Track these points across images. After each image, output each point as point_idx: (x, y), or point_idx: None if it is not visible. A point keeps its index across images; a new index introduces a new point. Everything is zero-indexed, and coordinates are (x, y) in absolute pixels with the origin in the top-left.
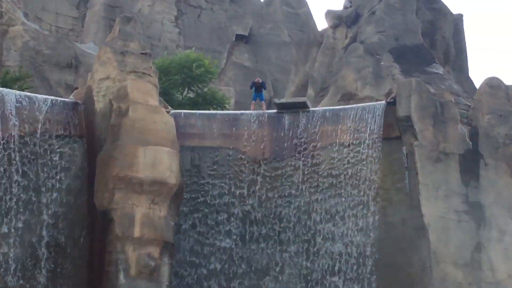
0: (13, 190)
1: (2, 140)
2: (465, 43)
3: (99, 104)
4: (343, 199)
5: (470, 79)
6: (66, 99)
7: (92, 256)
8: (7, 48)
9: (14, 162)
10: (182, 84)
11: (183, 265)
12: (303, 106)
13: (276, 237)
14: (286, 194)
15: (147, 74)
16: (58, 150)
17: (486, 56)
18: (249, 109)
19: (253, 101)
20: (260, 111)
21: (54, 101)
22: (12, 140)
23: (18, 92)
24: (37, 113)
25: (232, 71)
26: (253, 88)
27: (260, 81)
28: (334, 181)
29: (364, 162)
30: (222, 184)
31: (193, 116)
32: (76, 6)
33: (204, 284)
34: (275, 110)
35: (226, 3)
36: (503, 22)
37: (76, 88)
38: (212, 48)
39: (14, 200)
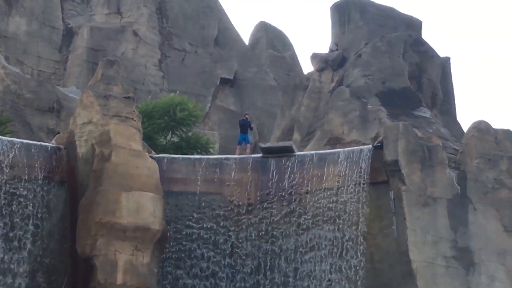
0: None
1: None
2: (452, 86)
3: (82, 149)
4: (330, 245)
5: (458, 123)
6: (47, 144)
7: None
8: None
9: None
10: (165, 128)
11: None
12: (289, 150)
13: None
14: (273, 239)
15: (130, 118)
16: (39, 195)
17: (474, 98)
18: (235, 154)
19: (238, 146)
20: (245, 156)
21: (35, 146)
22: None
23: None
24: (19, 158)
25: (216, 115)
26: (239, 128)
27: (248, 117)
28: (321, 226)
29: (351, 207)
30: (207, 230)
31: (177, 161)
32: (58, 49)
33: None
34: (260, 155)
35: (210, 46)
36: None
37: (58, 133)
38: (197, 91)
39: None
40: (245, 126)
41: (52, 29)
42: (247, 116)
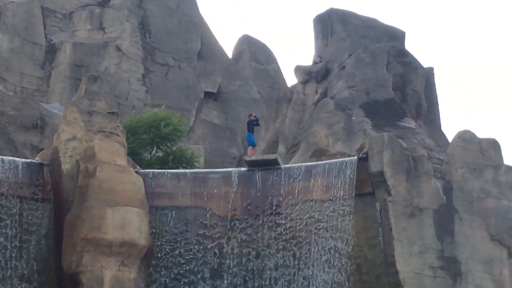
0: None
1: None
2: (436, 96)
3: (66, 165)
4: (316, 256)
5: (443, 133)
6: (32, 161)
7: None
8: None
9: None
10: (150, 143)
11: None
12: (274, 163)
13: None
14: (259, 252)
15: (115, 133)
16: (24, 212)
17: (458, 109)
18: (220, 167)
19: (250, 147)
20: (230, 169)
21: (19, 163)
22: None
23: None
24: (2, 175)
25: (201, 129)
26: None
27: (253, 116)
28: (307, 238)
29: (337, 219)
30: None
31: (162, 176)
32: (41, 66)
33: None
34: (245, 168)
35: (193, 60)
36: (476, 74)
37: (42, 149)
38: (181, 106)
39: None
40: (251, 126)
41: (35, 45)
42: (252, 116)
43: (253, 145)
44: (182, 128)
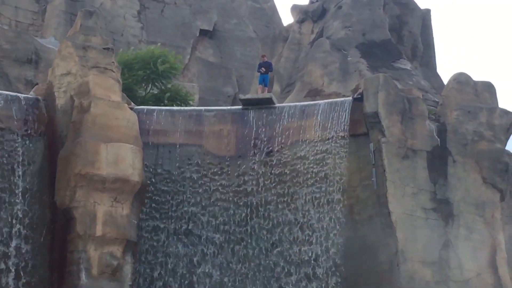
0: None
1: None
2: (433, 38)
3: (60, 100)
4: (309, 196)
5: (438, 75)
6: (26, 95)
7: (53, 255)
8: None
9: None
10: (145, 80)
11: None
12: (269, 102)
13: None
14: (250, 191)
15: (110, 69)
16: (18, 147)
17: (454, 51)
18: (214, 105)
19: (260, 85)
20: (224, 108)
21: (13, 97)
22: None
23: None
24: None
25: (196, 67)
26: (260, 69)
27: (266, 59)
28: (300, 178)
29: (331, 159)
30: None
31: (156, 112)
32: (36, 0)
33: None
34: (240, 106)
35: None
36: (472, 17)
37: (37, 84)
38: (176, 43)
39: None
40: (265, 67)
41: None
42: (265, 57)
43: (265, 85)
44: (177, 65)
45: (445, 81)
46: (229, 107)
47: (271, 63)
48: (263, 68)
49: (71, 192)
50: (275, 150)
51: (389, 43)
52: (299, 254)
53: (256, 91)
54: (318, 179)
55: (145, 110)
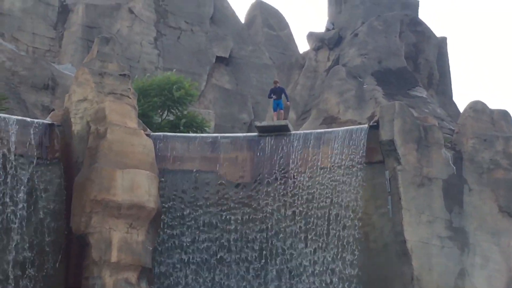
0: None
1: None
2: (449, 66)
3: (77, 126)
4: (325, 224)
5: (454, 103)
6: (43, 121)
7: (68, 281)
8: None
9: None
10: (161, 107)
11: None
12: (284, 129)
13: (255, 263)
14: (268, 219)
15: (126, 95)
16: (34, 173)
17: (470, 79)
18: (230, 132)
19: (274, 112)
20: (240, 134)
21: (29, 123)
22: None
23: None
24: (11, 134)
25: (212, 93)
26: (271, 95)
27: (278, 84)
28: (315, 206)
29: (347, 187)
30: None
31: (173, 139)
32: (54, 26)
33: None
34: (256, 133)
35: (206, 25)
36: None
37: (53, 110)
38: (192, 70)
39: None
40: (277, 92)
41: (47, 6)
42: (277, 83)
43: (281, 108)
44: (193, 92)
45: (461, 109)
46: (244, 134)
47: (283, 88)
48: (274, 96)
49: (86, 218)
50: (291, 177)
51: (405, 70)
52: (314, 281)
53: (271, 118)
54: (334, 206)
55: (162, 137)
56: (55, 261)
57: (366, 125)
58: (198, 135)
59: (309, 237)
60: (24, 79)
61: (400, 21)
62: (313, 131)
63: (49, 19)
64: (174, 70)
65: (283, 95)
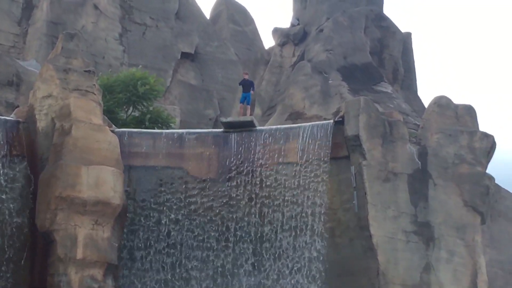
0: None
1: None
2: (413, 61)
3: (41, 123)
4: (291, 220)
5: (419, 98)
6: (7, 117)
7: (34, 279)
8: None
9: None
10: (126, 103)
11: None
12: (250, 125)
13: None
14: (235, 214)
15: (91, 92)
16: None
17: (435, 75)
18: (198, 128)
19: (241, 104)
20: (206, 130)
21: None
22: None
23: None
24: None
25: (177, 89)
26: (241, 86)
27: (247, 77)
28: (281, 201)
29: (312, 182)
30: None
31: (138, 135)
32: (18, 22)
33: None
34: (221, 129)
35: (171, 20)
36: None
37: (18, 107)
38: (157, 66)
39: None
40: (246, 85)
41: (12, 2)
42: (246, 75)
43: (247, 103)
44: (158, 88)
45: (426, 104)
46: (210, 130)
47: (252, 81)
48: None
49: (51, 215)
50: (256, 172)
51: (370, 66)
52: (280, 276)
53: (237, 114)
54: (299, 202)
55: (127, 133)
56: (20, 258)
57: (332, 121)
58: (163, 131)
59: (275, 231)
60: None
61: (365, 16)
62: (278, 126)
63: (13, 15)
64: (140, 66)
65: (251, 89)
